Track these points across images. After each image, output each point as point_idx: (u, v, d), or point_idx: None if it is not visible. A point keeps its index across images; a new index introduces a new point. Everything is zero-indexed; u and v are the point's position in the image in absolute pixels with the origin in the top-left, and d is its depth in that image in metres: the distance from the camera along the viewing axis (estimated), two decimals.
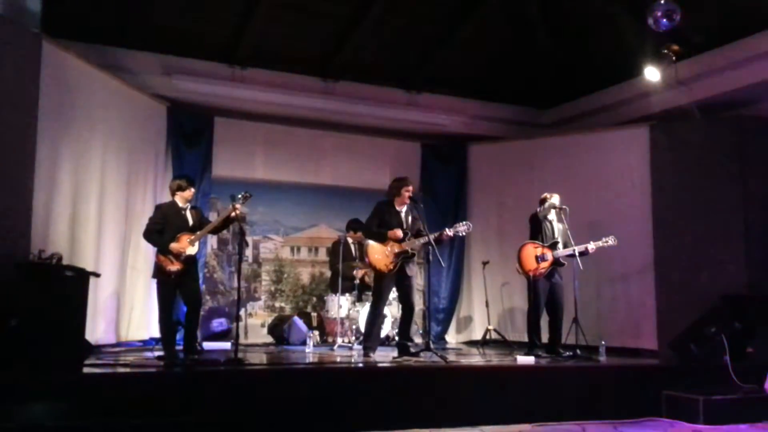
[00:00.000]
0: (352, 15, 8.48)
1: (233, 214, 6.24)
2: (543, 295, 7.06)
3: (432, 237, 6.53)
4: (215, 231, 6.87)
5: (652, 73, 8.03)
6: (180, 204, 6.47)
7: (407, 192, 6.80)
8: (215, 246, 9.09)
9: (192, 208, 6.60)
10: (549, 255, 7.03)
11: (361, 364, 6.30)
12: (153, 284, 6.69)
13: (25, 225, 5.80)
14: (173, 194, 6.51)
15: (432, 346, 6.80)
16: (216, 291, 9.03)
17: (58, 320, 4.85)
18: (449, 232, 6.73)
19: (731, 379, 6.08)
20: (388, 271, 6.67)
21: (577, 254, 6.98)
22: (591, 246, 7.07)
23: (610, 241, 7.14)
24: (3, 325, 4.62)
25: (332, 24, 8.63)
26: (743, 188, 7.80)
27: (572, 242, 7.07)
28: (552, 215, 7.27)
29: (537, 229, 7.19)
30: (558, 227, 7.26)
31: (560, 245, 7.11)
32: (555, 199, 7.30)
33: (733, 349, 6.36)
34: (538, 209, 7.31)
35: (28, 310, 4.73)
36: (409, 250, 6.68)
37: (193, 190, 6.62)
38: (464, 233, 6.94)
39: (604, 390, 5.96)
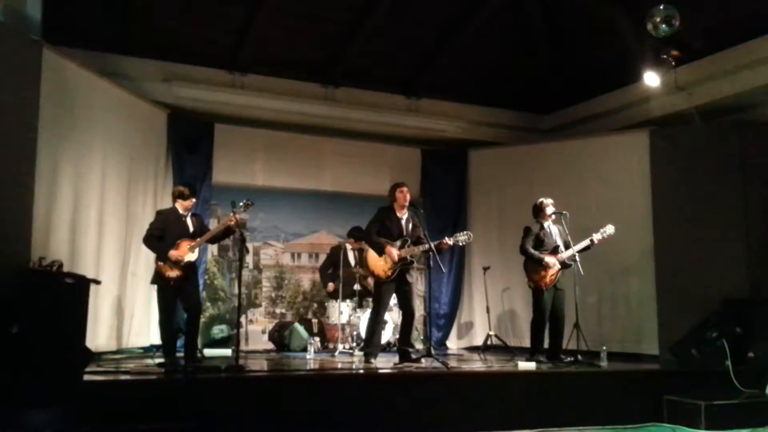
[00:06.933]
0: (352, 21, 8.50)
1: (232, 223, 6.23)
2: (548, 304, 7.04)
3: (432, 245, 6.52)
4: (214, 240, 6.88)
5: (651, 79, 8.03)
6: (180, 210, 6.48)
7: (401, 194, 6.80)
8: (216, 253, 9.08)
9: (193, 215, 6.60)
10: (555, 261, 7.01)
11: (361, 371, 6.30)
12: (153, 291, 6.69)
13: (25, 232, 5.80)
14: (174, 200, 6.52)
15: (433, 351, 6.80)
16: (216, 297, 9.03)
17: (59, 327, 4.84)
18: (449, 241, 6.73)
19: (733, 384, 6.07)
20: (387, 278, 6.67)
21: (578, 257, 6.95)
22: (596, 237, 7.04)
23: (608, 230, 7.10)
24: (4, 333, 4.61)
25: (332, 30, 8.65)
26: (744, 193, 7.81)
27: (572, 243, 7.06)
28: (548, 221, 7.25)
29: (536, 240, 7.15)
30: (554, 231, 7.25)
31: (561, 248, 7.10)
32: (550, 203, 7.27)
33: (735, 353, 6.35)
34: (536, 219, 7.28)
35: (29, 318, 4.71)
36: (408, 258, 6.68)
37: (194, 200, 6.61)
38: (464, 243, 6.94)
39: (605, 395, 5.95)
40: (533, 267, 7.06)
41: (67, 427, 4.34)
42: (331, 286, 8.60)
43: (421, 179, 10.04)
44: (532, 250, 7.06)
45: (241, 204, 6.23)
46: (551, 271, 6.99)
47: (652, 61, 7.94)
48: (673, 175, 8.16)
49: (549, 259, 6.99)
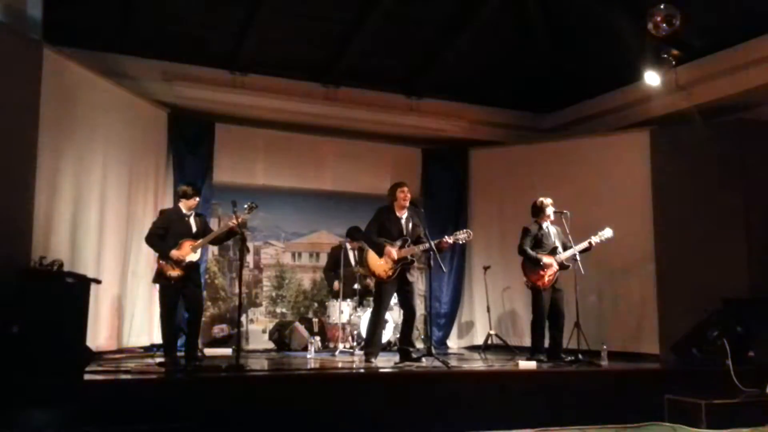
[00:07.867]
0: (352, 21, 8.49)
1: (234, 225, 6.23)
2: (547, 304, 7.04)
3: (432, 244, 6.52)
4: (217, 242, 6.88)
5: (652, 78, 8.03)
6: (184, 210, 6.48)
7: (402, 194, 6.80)
8: (216, 252, 9.08)
9: (196, 215, 6.61)
10: (552, 261, 7.01)
11: (362, 370, 6.30)
12: (154, 290, 6.69)
13: (26, 231, 5.81)
14: (177, 200, 6.53)
15: (433, 351, 6.79)
16: (217, 297, 9.03)
17: (60, 327, 4.84)
18: (449, 239, 6.73)
19: (733, 383, 6.07)
20: (387, 278, 6.67)
21: (578, 257, 6.96)
22: (594, 240, 7.05)
23: (606, 233, 7.12)
24: (4, 332, 4.61)
25: (333, 30, 8.64)
26: (744, 192, 7.82)
27: (572, 244, 7.06)
28: (547, 221, 7.25)
29: (534, 240, 7.15)
30: (553, 231, 7.24)
31: (560, 249, 7.10)
32: (549, 203, 7.26)
33: (735, 352, 6.35)
34: (535, 219, 7.27)
35: (29, 317, 4.72)
36: (409, 257, 6.68)
37: (197, 199, 6.62)
38: (464, 241, 6.94)
39: (606, 394, 5.94)
40: (531, 268, 7.06)
41: (67, 427, 4.34)
42: (336, 284, 8.57)
43: (421, 179, 10.05)
44: (530, 251, 7.05)
45: (245, 206, 6.25)
46: (549, 272, 6.98)
47: (653, 60, 7.94)
48: (674, 174, 8.16)
49: (546, 260, 6.99)
